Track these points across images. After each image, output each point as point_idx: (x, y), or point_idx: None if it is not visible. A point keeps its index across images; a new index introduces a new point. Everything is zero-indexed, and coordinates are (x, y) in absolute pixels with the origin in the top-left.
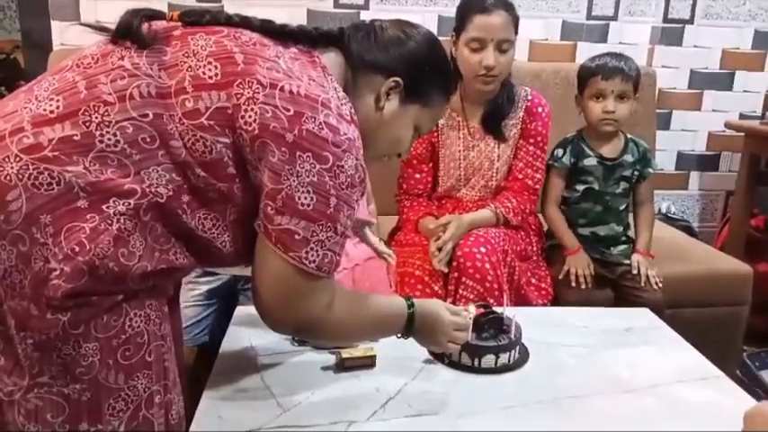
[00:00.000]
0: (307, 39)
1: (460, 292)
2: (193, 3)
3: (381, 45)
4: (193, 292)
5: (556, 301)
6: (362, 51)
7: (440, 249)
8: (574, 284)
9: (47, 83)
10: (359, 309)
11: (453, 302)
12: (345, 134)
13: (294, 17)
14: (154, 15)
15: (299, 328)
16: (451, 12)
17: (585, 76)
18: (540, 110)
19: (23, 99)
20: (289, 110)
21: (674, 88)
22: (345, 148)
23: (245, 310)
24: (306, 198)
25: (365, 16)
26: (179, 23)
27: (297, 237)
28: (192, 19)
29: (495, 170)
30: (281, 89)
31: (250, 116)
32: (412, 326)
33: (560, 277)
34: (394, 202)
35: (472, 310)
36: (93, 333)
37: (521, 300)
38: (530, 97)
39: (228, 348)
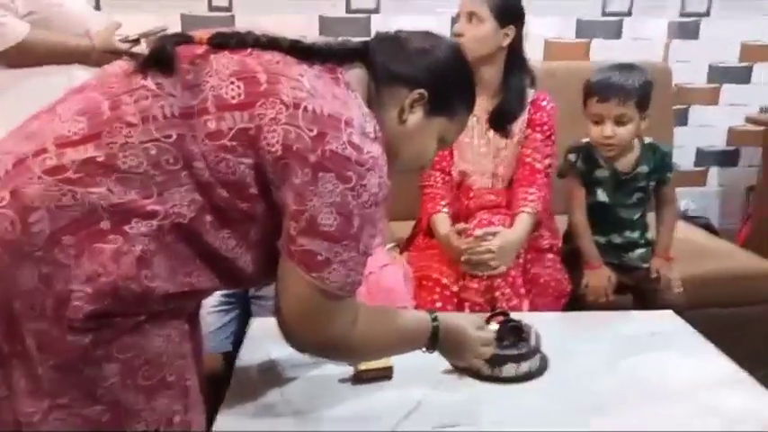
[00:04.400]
0: (333, 57)
1: (464, 294)
2: (205, 11)
3: (406, 57)
4: (210, 299)
5: (575, 304)
6: (387, 63)
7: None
8: (591, 298)
9: (70, 102)
10: (383, 326)
11: (459, 308)
12: (369, 152)
13: (306, 23)
14: (184, 41)
15: (324, 348)
16: None
17: (585, 94)
18: (544, 103)
19: (47, 119)
20: (312, 130)
21: (692, 83)
22: (369, 166)
23: (260, 321)
24: (329, 219)
25: (376, 20)
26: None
27: (319, 257)
28: (220, 41)
29: (502, 158)
30: (305, 109)
31: (273, 137)
32: (437, 340)
33: (580, 292)
34: (407, 207)
35: (494, 327)
36: (115, 354)
37: (538, 294)
38: (535, 94)
39: (245, 361)
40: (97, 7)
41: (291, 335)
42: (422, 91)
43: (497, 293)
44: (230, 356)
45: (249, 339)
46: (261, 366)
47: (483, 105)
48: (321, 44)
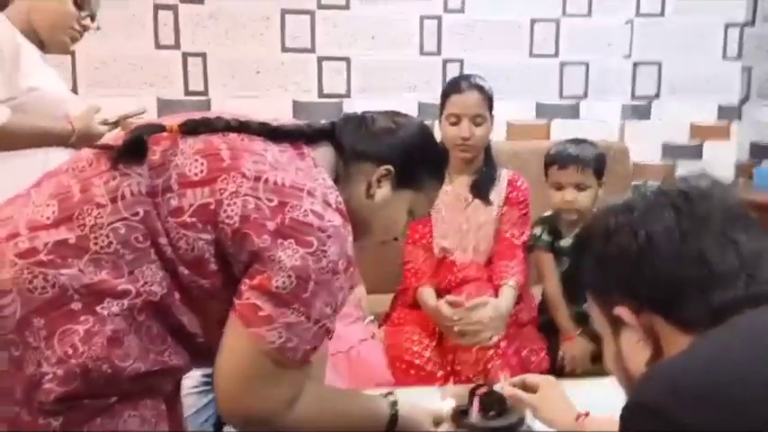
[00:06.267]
0: (301, 136)
1: (457, 368)
2: (181, 95)
3: (372, 135)
4: (188, 380)
5: (554, 373)
6: (353, 142)
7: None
8: (569, 369)
9: (43, 187)
10: (327, 411)
11: (454, 380)
12: (331, 221)
13: (279, 107)
14: (156, 130)
15: (251, 420)
16: (430, 98)
17: (545, 164)
18: (519, 183)
19: (20, 204)
20: (272, 200)
21: (648, 161)
22: (330, 233)
23: None
24: (282, 281)
25: (348, 105)
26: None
27: (261, 312)
28: (190, 128)
29: (483, 234)
30: (266, 181)
31: (232, 210)
32: (393, 427)
33: (558, 363)
34: (386, 280)
35: (449, 403)
36: None
37: (521, 367)
38: (510, 173)
39: None
40: (74, 90)
41: (220, 398)
42: (388, 167)
43: (489, 365)
44: None
45: None
46: None
47: (464, 182)
48: (289, 125)
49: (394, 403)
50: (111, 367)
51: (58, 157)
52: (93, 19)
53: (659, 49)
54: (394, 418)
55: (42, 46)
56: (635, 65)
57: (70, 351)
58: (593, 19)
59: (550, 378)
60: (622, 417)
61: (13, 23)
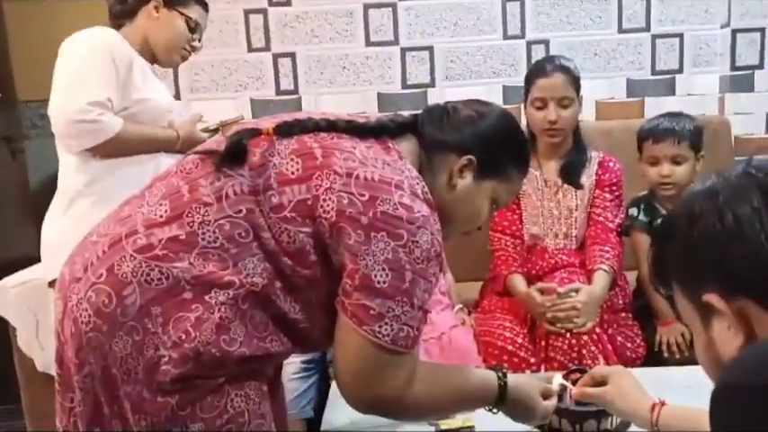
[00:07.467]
0: (385, 131)
1: (551, 354)
2: (273, 95)
3: (454, 126)
4: (289, 366)
5: (652, 360)
6: (435, 134)
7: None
8: (667, 355)
9: (155, 188)
10: (442, 385)
11: (546, 367)
12: (419, 211)
13: (366, 100)
14: (254, 134)
15: (377, 405)
16: (515, 81)
17: (639, 139)
18: (611, 164)
19: (137, 204)
20: (364, 195)
21: (752, 134)
22: (420, 224)
23: None
24: (381, 276)
25: (432, 94)
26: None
27: (372, 312)
28: (284, 131)
29: (574, 218)
30: (357, 177)
31: (328, 204)
32: (503, 400)
33: (656, 349)
34: (473, 268)
35: (558, 379)
36: (199, 414)
37: (615, 353)
38: (601, 155)
39: (328, 425)
40: (177, 95)
41: (346, 390)
42: (470, 157)
43: (584, 351)
44: (312, 422)
45: (331, 402)
46: (345, 428)
47: (553, 167)
48: (373, 121)
49: (503, 375)
50: (220, 351)
51: (167, 162)
52: (200, 39)
53: (761, 16)
54: (503, 389)
55: (153, 60)
56: (734, 32)
57: (183, 336)
58: None
59: (618, 367)
60: (711, 400)
61: (129, 41)
